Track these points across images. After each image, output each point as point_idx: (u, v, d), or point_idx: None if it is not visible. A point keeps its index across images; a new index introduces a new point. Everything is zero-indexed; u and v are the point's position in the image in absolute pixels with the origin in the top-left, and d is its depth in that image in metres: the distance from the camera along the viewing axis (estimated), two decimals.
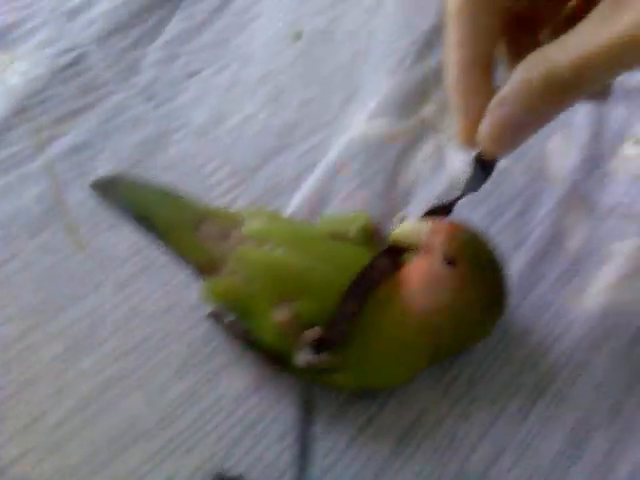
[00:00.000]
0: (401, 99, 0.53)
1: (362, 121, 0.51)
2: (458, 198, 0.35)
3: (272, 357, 0.37)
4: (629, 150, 0.52)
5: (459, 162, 0.50)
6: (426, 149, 0.51)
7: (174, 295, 0.42)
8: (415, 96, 0.54)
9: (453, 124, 0.33)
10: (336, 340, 0.34)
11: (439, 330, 0.35)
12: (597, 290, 0.44)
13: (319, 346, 0.34)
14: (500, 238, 0.45)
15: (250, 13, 0.61)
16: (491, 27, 0.30)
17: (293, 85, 0.54)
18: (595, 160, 0.51)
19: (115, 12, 0.57)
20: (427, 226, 0.33)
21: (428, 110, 0.54)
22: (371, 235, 0.37)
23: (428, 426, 0.38)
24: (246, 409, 0.38)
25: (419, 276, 0.35)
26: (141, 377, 0.39)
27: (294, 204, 0.47)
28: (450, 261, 0.32)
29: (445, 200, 0.37)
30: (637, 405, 0.40)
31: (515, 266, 0.45)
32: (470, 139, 0.30)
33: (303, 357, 0.33)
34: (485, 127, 0.29)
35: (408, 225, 0.35)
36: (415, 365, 0.37)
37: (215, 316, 0.39)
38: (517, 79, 0.28)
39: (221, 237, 0.38)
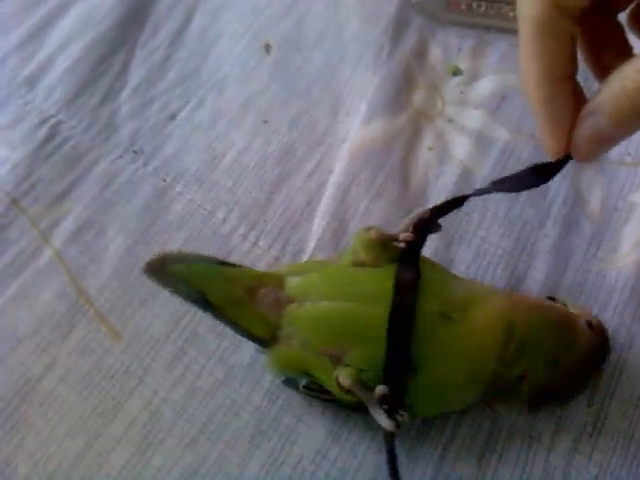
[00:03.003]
0: (390, 94, 0.49)
1: (358, 127, 0.47)
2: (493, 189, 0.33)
3: (352, 407, 0.34)
4: None
5: (463, 145, 0.46)
6: (428, 139, 0.47)
7: (226, 361, 0.39)
8: (403, 86, 0.50)
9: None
10: (401, 390, 0.31)
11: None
12: (629, 248, 0.41)
13: (390, 402, 0.31)
14: (525, 217, 0.42)
15: (210, 34, 0.55)
16: (569, 33, 0.26)
17: (276, 105, 0.49)
18: None
19: (74, 70, 0.52)
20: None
21: (419, 97, 0.49)
22: (378, 246, 0.34)
23: (505, 432, 0.36)
24: (329, 465, 0.36)
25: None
26: (217, 459, 0.36)
27: (316, 232, 0.43)
28: (590, 325, 0.35)
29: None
30: None
31: (546, 243, 0.42)
32: (559, 150, 0.28)
33: (385, 423, 0.30)
34: (576, 137, 0.27)
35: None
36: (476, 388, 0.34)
37: (289, 382, 0.36)
38: (609, 89, 0.25)
39: (273, 302, 0.33)
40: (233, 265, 0.36)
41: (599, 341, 0.35)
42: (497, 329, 0.32)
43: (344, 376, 0.31)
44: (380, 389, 0.31)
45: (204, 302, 0.34)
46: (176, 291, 0.34)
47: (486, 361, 0.33)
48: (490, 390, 0.34)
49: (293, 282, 0.34)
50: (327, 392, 0.34)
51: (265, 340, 0.34)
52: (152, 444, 0.36)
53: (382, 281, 0.33)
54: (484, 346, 0.32)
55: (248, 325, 0.34)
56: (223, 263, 0.36)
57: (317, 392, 0.34)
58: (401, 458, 0.35)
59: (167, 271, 0.34)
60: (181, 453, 0.36)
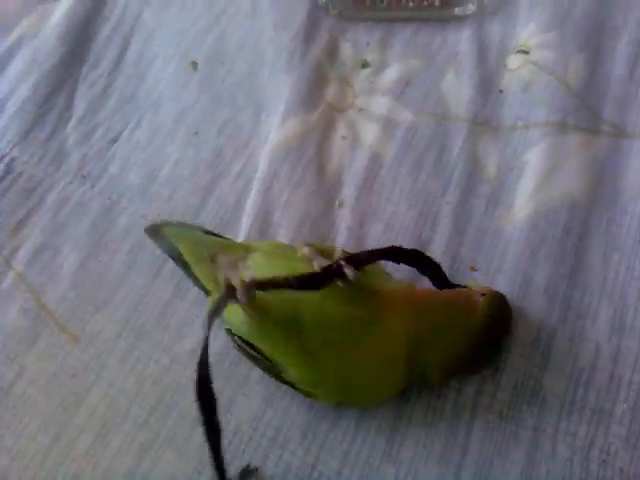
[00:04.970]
0: (303, 92, 0.53)
1: (277, 127, 0.51)
2: None
3: (270, 369, 0.39)
4: (514, 62, 0.52)
5: (372, 131, 0.51)
6: (341, 129, 0.51)
7: (170, 351, 0.44)
8: (315, 84, 0.54)
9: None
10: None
11: (434, 350, 0.36)
12: (523, 203, 0.45)
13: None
14: (428, 188, 0.46)
15: (145, 58, 0.60)
16: None
17: (205, 116, 0.54)
18: (486, 84, 0.51)
19: (24, 109, 0.56)
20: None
21: (331, 92, 0.53)
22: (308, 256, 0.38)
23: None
24: (264, 426, 0.40)
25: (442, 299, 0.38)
26: (167, 436, 0.41)
27: (244, 228, 0.47)
28: (483, 293, 0.37)
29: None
30: (583, 290, 0.42)
31: (447, 210, 0.46)
32: None
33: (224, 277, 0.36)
34: None
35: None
36: (390, 386, 0.38)
37: (229, 332, 0.41)
38: None
39: (231, 267, 0.40)
40: (216, 235, 0.44)
41: (496, 304, 0.37)
42: (402, 342, 0.36)
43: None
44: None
45: (180, 259, 0.42)
46: (163, 248, 0.45)
47: (396, 369, 0.36)
48: (406, 385, 0.38)
49: (257, 257, 0.40)
50: (252, 347, 0.39)
51: (212, 293, 0.40)
52: (110, 429, 0.41)
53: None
54: (393, 356, 0.36)
55: (203, 280, 0.41)
56: (211, 233, 0.44)
57: (244, 344, 0.39)
58: (327, 413, 0.39)
59: (161, 233, 0.44)
60: (136, 434, 0.41)
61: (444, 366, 0.37)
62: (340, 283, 0.35)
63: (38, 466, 0.40)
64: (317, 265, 0.36)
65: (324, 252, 0.39)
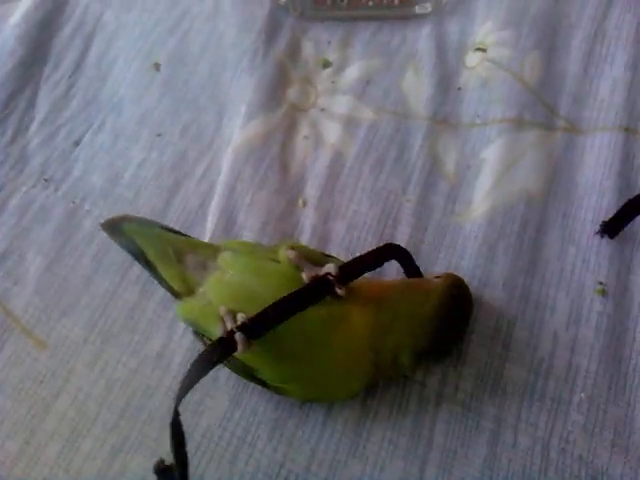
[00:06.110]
0: (266, 93, 0.53)
1: (239, 128, 0.51)
2: None
3: (241, 368, 0.39)
4: (472, 59, 0.52)
5: (334, 131, 0.51)
6: (304, 129, 0.51)
7: (139, 353, 0.44)
8: (278, 85, 0.54)
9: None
10: (257, 330, 0.35)
11: (398, 335, 0.36)
12: (481, 199, 0.46)
13: (244, 329, 0.34)
14: (389, 187, 0.47)
15: (107, 59, 0.59)
16: None
17: (168, 118, 0.54)
18: (445, 81, 0.52)
19: None
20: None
21: (293, 92, 0.54)
22: (294, 262, 0.38)
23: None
24: (233, 425, 0.40)
25: (400, 286, 0.38)
26: (137, 437, 0.41)
27: (209, 229, 0.47)
28: (437, 277, 0.38)
29: None
30: (541, 282, 0.42)
31: (408, 207, 0.47)
32: None
33: (220, 329, 0.35)
34: None
35: None
36: (359, 379, 0.38)
37: (197, 334, 0.41)
38: None
39: (199, 267, 0.40)
40: (181, 234, 0.43)
41: (451, 282, 0.38)
42: (365, 333, 0.36)
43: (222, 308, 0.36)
44: (243, 315, 0.35)
45: (143, 258, 0.41)
46: (123, 246, 0.43)
47: (364, 360, 0.37)
48: (375, 377, 0.38)
49: (227, 256, 0.40)
50: None
51: (179, 294, 0.40)
52: (80, 434, 0.41)
53: (281, 278, 0.38)
54: (359, 348, 0.36)
55: (169, 280, 0.40)
56: (174, 231, 0.43)
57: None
58: (294, 411, 0.40)
59: (120, 229, 0.43)
60: (105, 437, 0.41)
61: (413, 348, 0.37)
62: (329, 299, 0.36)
63: (7, 472, 0.40)
64: (306, 276, 0.37)
65: (310, 255, 0.39)
